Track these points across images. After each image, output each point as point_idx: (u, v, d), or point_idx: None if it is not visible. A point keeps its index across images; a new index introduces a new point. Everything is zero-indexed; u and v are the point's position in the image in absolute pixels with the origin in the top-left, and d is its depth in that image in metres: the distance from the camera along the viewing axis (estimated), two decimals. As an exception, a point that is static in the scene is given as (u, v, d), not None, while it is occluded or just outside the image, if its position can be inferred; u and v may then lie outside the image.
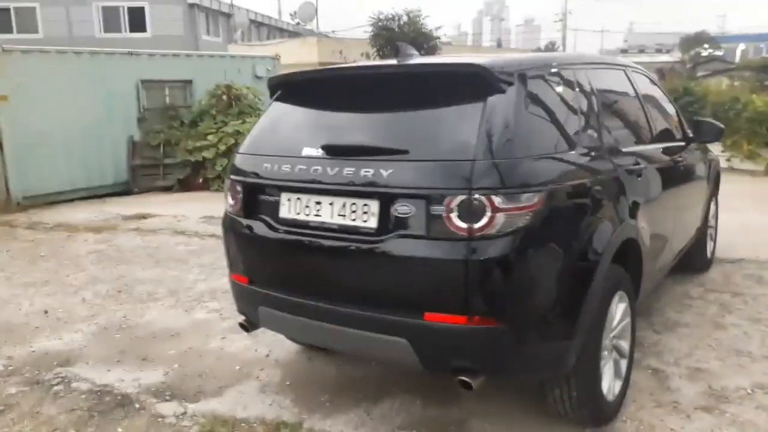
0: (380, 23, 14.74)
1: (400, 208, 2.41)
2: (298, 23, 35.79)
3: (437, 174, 2.35)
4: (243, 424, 3.00)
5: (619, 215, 2.86)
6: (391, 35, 14.48)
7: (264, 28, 35.06)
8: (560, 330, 2.49)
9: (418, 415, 3.04)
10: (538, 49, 39.03)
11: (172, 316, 4.51)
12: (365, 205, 2.50)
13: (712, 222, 5.08)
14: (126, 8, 26.42)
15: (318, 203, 2.63)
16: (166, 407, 3.17)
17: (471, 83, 2.49)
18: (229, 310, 4.55)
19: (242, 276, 2.97)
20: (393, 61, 2.98)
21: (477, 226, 2.28)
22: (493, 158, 2.31)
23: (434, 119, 2.51)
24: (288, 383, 3.41)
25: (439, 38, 15.26)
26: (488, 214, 2.27)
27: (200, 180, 10.35)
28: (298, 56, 16.51)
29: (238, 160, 3.02)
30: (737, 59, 31.45)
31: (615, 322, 2.88)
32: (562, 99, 2.82)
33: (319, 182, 2.59)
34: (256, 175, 2.86)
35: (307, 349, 3.77)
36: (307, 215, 2.66)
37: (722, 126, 4.37)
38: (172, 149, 10.59)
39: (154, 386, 3.41)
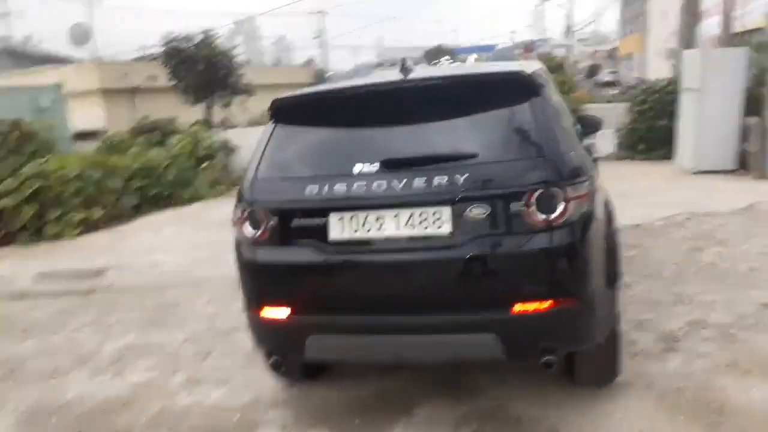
0: (173, 44, 13.95)
1: (475, 210, 2.52)
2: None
3: (513, 173, 2.52)
4: (304, 467, 2.78)
5: (605, 194, 3.32)
6: (187, 55, 13.80)
7: (7, 56, 30.06)
8: (610, 298, 2.83)
9: (461, 411, 3.13)
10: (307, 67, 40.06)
11: (104, 385, 3.87)
12: (435, 212, 2.54)
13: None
14: None
15: (379, 219, 2.59)
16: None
17: (516, 88, 2.71)
18: (168, 365, 4.06)
19: (279, 309, 2.75)
20: (398, 75, 3.00)
21: (553, 216, 2.50)
22: (555, 153, 2.56)
23: (491, 122, 2.68)
24: (307, 418, 3.23)
25: (235, 57, 14.98)
26: (562, 203, 2.50)
27: (2, 234, 8.73)
28: (74, 83, 14.75)
29: (259, 187, 2.80)
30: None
31: None
32: (559, 98, 3.18)
33: (384, 197, 2.56)
34: (295, 199, 2.69)
35: (294, 383, 3.57)
36: (368, 231, 2.60)
37: (601, 119, 5.19)
38: (-48, 202, 8.73)
39: (163, 459, 2.95)
